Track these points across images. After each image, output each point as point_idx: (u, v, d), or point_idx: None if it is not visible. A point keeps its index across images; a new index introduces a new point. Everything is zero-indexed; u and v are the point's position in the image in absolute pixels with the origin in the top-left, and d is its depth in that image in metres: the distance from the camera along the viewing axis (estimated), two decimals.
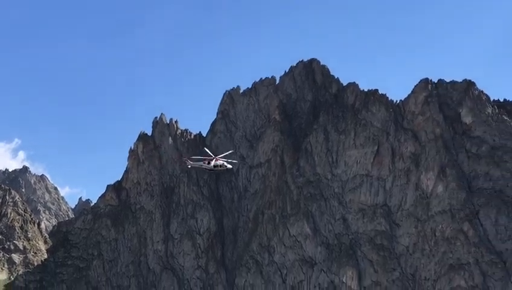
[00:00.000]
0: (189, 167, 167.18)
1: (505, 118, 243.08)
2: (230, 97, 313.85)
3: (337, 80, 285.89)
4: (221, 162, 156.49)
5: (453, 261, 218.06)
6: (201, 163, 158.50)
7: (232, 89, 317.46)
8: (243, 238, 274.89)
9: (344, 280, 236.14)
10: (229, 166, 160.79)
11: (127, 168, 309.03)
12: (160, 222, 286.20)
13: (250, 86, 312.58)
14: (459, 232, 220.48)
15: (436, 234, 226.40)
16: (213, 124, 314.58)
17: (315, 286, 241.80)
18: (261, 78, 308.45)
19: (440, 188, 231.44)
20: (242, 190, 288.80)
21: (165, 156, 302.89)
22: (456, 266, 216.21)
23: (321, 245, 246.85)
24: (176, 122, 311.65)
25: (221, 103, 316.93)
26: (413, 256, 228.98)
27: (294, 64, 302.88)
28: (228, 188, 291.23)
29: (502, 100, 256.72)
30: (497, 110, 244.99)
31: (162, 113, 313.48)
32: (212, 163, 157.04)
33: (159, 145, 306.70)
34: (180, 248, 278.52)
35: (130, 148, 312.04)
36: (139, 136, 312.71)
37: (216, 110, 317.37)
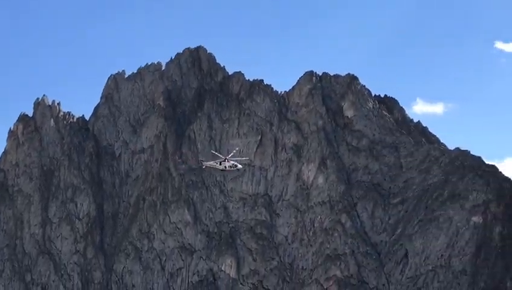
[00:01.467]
0: (204, 167, 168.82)
1: (385, 113, 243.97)
2: (115, 81, 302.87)
3: (223, 69, 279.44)
4: (232, 162, 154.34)
5: (330, 251, 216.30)
6: (214, 164, 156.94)
7: (117, 73, 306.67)
8: (122, 224, 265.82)
9: (223, 268, 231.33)
10: (240, 166, 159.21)
11: (5, 149, 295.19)
12: (39, 205, 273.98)
13: (135, 71, 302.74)
14: (337, 224, 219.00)
15: (315, 224, 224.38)
16: (96, 108, 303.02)
17: (194, 274, 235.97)
18: (146, 64, 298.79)
19: (320, 180, 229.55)
20: (124, 175, 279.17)
21: (46, 138, 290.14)
22: (333, 257, 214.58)
23: (201, 233, 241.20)
24: (58, 104, 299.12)
25: (105, 87, 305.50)
26: (292, 246, 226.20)
27: (181, 51, 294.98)
28: (110, 173, 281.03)
29: (382, 96, 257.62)
30: (377, 106, 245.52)
31: (44, 95, 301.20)
32: (224, 164, 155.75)
33: (39, 127, 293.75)
34: (58, 232, 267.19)
35: (10, 129, 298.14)
36: (19, 117, 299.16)
37: (100, 94, 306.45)
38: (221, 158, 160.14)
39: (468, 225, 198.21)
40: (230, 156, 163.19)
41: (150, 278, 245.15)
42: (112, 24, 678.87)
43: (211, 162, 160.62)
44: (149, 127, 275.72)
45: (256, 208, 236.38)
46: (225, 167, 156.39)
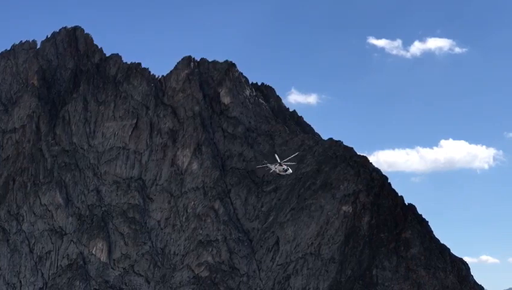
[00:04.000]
0: (271, 172, 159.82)
1: (261, 101, 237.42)
2: None
3: (101, 50, 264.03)
4: (284, 167, 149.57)
5: (202, 237, 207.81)
6: (274, 167, 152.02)
7: None
8: None
9: (93, 252, 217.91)
10: (290, 171, 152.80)
11: None
12: None
13: (8, 48, 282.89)
14: (210, 210, 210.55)
15: (188, 210, 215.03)
16: None
17: (63, 257, 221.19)
18: (21, 41, 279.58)
19: (195, 166, 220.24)
20: None
21: None
22: (205, 243, 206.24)
23: (72, 216, 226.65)
24: None
25: None
26: (164, 231, 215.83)
27: (57, 30, 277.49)
28: None
29: (259, 84, 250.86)
30: (254, 93, 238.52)
31: None
32: (278, 168, 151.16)
33: None
34: None
35: None
36: None
37: None
38: (276, 162, 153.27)
39: (338, 214, 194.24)
40: (286, 160, 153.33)
41: (18, 261, 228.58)
42: None
43: (272, 166, 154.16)
44: (22, 107, 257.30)
45: (129, 192, 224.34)
46: (279, 170, 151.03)
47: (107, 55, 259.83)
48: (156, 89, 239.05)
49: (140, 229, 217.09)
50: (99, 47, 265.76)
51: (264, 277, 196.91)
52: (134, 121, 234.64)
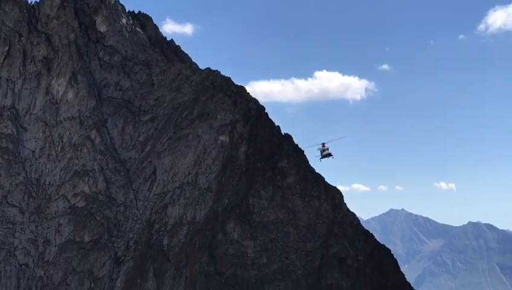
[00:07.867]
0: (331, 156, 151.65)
1: (138, 30, 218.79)
2: None
3: None
4: (326, 146, 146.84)
5: (78, 167, 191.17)
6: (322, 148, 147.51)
7: None
8: None
9: None
10: (332, 156, 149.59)
11: None
12: None
13: None
14: (86, 140, 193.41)
15: (64, 140, 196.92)
16: None
17: None
18: None
19: (70, 95, 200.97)
20: None
21: None
22: (81, 173, 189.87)
23: None
24: None
25: None
26: (39, 161, 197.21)
27: None
28: None
29: (136, 12, 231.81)
30: (131, 22, 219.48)
31: None
32: (321, 148, 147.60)
33: None
34: None
35: None
36: None
37: None
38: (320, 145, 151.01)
39: (215, 144, 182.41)
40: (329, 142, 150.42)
41: None
42: None
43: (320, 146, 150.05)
44: None
45: (2, 121, 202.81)
46: (321, 152, 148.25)
47: None
48: (29, 15, 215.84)
49: (14, 160, 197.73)
50: None
51: (141, 206, 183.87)
52: (6, 48, 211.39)
